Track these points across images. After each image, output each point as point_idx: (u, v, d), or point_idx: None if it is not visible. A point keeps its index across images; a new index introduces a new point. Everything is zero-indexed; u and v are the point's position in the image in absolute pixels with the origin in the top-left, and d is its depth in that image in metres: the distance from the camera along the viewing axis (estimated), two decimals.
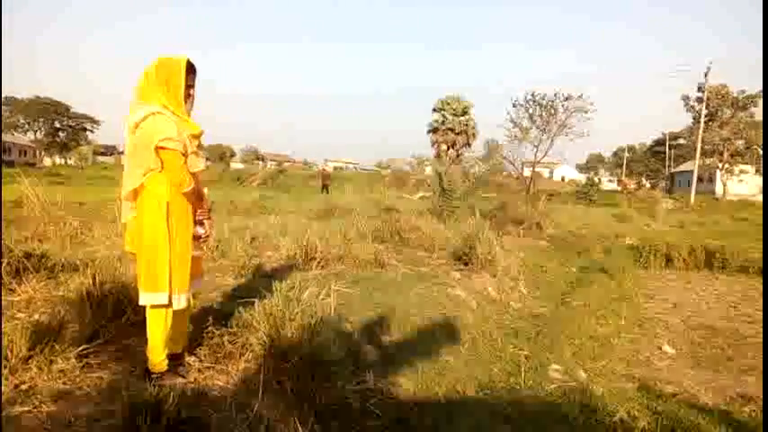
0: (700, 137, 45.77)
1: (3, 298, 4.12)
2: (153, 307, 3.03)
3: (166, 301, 2.99)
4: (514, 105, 20.99)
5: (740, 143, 54.97)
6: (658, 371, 5.62)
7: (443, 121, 38.20)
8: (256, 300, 3.81)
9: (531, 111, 20.45)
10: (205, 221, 3.22)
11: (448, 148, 37.06)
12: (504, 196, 18.12)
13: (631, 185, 68.60)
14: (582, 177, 67.36)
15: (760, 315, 8.13)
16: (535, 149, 19.61)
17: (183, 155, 2.98)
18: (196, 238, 3.16)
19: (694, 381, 5.36)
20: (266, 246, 7.67)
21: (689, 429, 3.80)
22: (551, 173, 77.89)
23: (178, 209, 3.01)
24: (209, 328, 3.80)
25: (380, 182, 21.09)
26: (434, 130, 38.39)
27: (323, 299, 4.11)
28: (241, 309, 3.93)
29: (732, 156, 54.53)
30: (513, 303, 7.25)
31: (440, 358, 4.79)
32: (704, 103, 47.16)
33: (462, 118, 38.26)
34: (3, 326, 3.23)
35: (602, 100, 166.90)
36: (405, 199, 20.61)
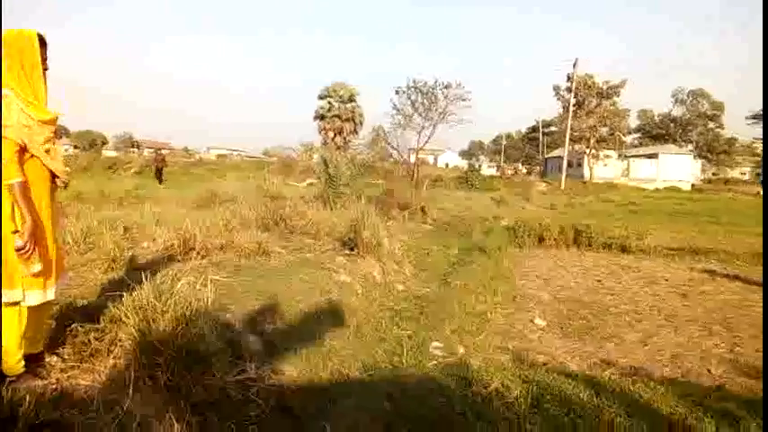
0: (569, 124, 49.06)
1: None
2: (6, 305, 2.75)
3: (20, 298, 2.73)
4: (397, 93, 21.48)
5: (604, 130, 59.67)
6: (531, 342, 6.00)
7: (330, 108, 38.02)
8: (125, 293, 3.59)
9: (413, 98, 21.01)
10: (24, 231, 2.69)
11: (335, 135, 36.99)
12: (390, 182, 18.43)
13: (509, 171, 72.43)
14: (464, 164, 70.06)
15: (620, 288, 8.91)
16: (418, 136, 20.23)
17: (22, 145, 2.67)
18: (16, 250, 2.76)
19: (562, 350, 5.77)
20: (141, 237, 7.26)
21: (557, 394, 4.07)
22: (436, 159, 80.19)
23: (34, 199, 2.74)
24: (74, 326, 3.53)
25: (266, 169, 20.65)
26: (321, 117, 38.12)
27: (200, 289, 3.95)
28: (109, 303, 3.69)
29: (598, 142, 59.03)
30: (398, 286, 7.41)
31: (325, 343, 4.79)
32: (572, 93, 50.57)
33: (349, 105, 38.31)
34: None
35: (484, 89, 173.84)
36: (292, 186, 20.38)
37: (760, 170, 78.06)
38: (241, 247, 6.88)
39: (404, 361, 4.74)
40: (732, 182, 68.35)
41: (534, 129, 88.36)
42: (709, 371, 5.22)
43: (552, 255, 12.32)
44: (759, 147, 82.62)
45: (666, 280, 9.62)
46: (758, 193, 51.23)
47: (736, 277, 9.96)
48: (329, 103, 38.63)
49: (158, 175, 27.26)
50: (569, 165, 54.49)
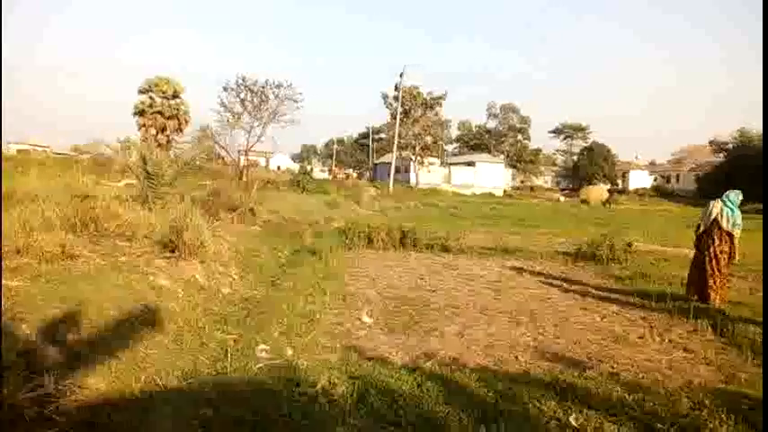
0: (396, 132, 51.27)
1: None
2: None
3: None
4: (225, 90, 20.65)
5: (429, 138, 63.37)
6: (358, 339, 6.09)
7: (152, 104, 35.48)
8: None
9: (242, 96, 20.34)
10: None
11: (157, 133, 34.60)
12: (218, 183, 17.75)
13: (340, 174, 73.67)
14: (296, 167, 69.93)
15: (442, 284, 9.43)
16: (247, 135, 19.63)
17: None
18: None
19: (388, 345, 5.94)
20: None
21: (381, 388, 4.16)
22: (267, 162, 79.12)
23: None
24: None
25: (77, 167, 18.65)
26: (141, 113, 35.37)
27: None
28: None
29: (423, 149, 62.53)
30: (224, 289, 7.12)
31: (139, 352, 4.44)
32: (400, 102, 52.91)
33: (173, 101, 36.05)
34: None
35: (317, 93, 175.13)
36: (107, 186, 18.71)
37: (559, 179, 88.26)
38: (42, 251, 6.12)
39: (228, 366, 4.54)
40: (537, 189, 76.27)
41: (365, 135, 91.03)
42: (516, 358, 5.69)
43: (380, 255, 12.71)
44: (559, 158, 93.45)
45: (481, 276, 10.38)
46: (558, 198, 57.74)
47: (540, 273, 11.08)
48: (151, 98, 35.97)
49: None
50: (397, 170, 56.99)
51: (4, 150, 34.12)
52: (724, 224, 8.09)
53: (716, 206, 8.23)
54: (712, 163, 68.10)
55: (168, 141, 34.85)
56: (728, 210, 8.14)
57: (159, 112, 35.98)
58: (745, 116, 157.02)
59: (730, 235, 8.11)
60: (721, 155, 65.83)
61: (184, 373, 4.27)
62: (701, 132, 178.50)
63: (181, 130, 36.27)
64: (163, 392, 3.88)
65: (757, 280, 10.19)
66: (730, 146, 64.10)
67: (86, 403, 3.42)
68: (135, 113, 36.45)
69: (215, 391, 3.88)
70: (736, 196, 8.23)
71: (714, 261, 8.09)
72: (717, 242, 8.12)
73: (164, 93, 36.40)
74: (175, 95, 36.93)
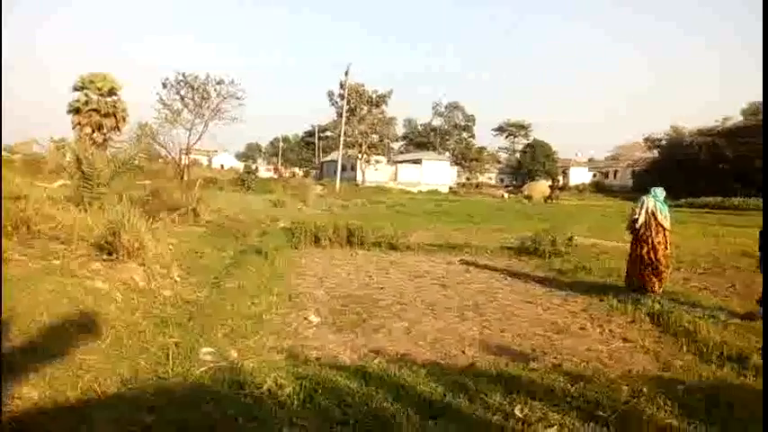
0: (342, 130, 51.09)
1: None
2: None
3: None
4: (165, 86, 19.85)
5: (375, 137, 63.46)
6: (306, 339, 6.03)
7: (87, 101, 34.00)
8: None
9: (182, 92, 19.66)
10: None
11: (93, 131, 33.18)
12: (158, 183, 17.23)
13: (286, 173, 72.97)
14: (241, 165, 68.82)
15: (389, 282, 9.46)
16: (188, 133, 18.98)
17: None
18: None
19: (336, 343, 5.91)
20: None
21: (329, 387, 4.13)
22: (210, 161, 77.60)
23: None
24: None
25: (8, 167, 17.76)
26: (76, 111, 33.83)
27: None
28: None
29: (369, 147, 62.56)
30: (165, 291, 6.90)
31: (75, 358, 4.24)
32: (345, 100, 52.75)
33: (110, 99, 34.64)
34: None
35: (263, 91, 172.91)
36: (40, 186, 17.89)
37: (503, 176, 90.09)
38: None
39: (170, 370, 4.40)
40: (482, 185, 77.61)
41: (311, 133, 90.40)
42: (463, 352, 5.77)
43: (327, 254, 12.64)
44: (502, 155, 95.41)
45: (429, 273, 10.47)
46: (502, 195, 58.88)
47: (486, 267, 11.27)
48: (86, 95, 34.44)
49: None
50: (344, 168, 56.81)
51: None
52: (660, 217, 8.52)
53: (649, 202, 8.63)
54: (646, 159, 70.97)
55: (105, 140, 33.42)
56: (660, 204, 8.61)
57: (95, 110, 34.44)
58: (676, 113, 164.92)
59: (663, 227, 8.55)
60: (655, 151, 68.64)
61: (124, 379, 4.11)
62: (637, 129, 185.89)
63: (118, 129, 34.85)
64: (101, 399, 3.73)
65: (691, 272, 10.69)
66: (663, 142, 66.89)
67: (18, 414, 3.25)
68: (70, 111, 34.83)
69: (156, 397, 3.75)
70: (661, 192, 8.74)
71: (653, 252, 8.47)
72: (654, 234, 8.52)
73: (100, 90, 34.86)
74: (112, 92, 35.46)
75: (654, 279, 8.45)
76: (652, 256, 8.46)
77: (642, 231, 8.62)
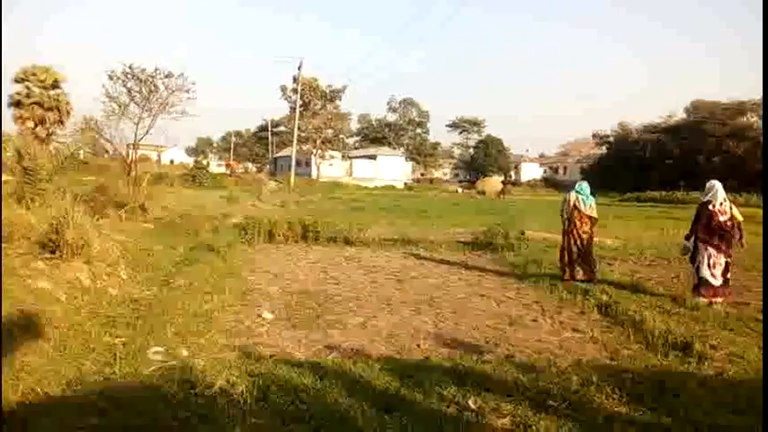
0: (296, 125, 50.53)
1: None
2: None
3: None
4: (111, 78, 19.00)
5: (329, 132, 63.15)
6: (259, 336, 5.93)
7: (29, 94, 32.51)
8: None
9: (129, 85, 18.92)
10: None
11: (36, 125, 31.78)
12: (105, 178, 16.69)
13: (239, 169, 71.84)
14: (191, 161, 67.45)
15: (344, 277, 9.42)
16: (136, 127, 18.24)
17: None
18: None
19: (290, 340, 5.83)
20: None
21: (283, 384, 4.06)
22: (159, 156, 75.68)
23: None
24: None
25: None
26: (17, 104, 32.36)
27: None
28: None
29: (323, 143, 62.22)
30: (112, 290, 6.69)
31: (15, 361, 4.05)
32: (299, 94, 52.21)
33: (53, 92, 33.19)
34: None
35: (214, 85, 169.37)
36: None
37: (457, 171, 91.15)
38: None
39: (116, 371, 4.25)
40: (436, 181, 78.34)
41: (264, 128, 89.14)
42: (418, 345, 5.78)
43: (282, 250, 12.51)
44: (456, 151, 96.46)
45: (384, 268, 10.48)
46: (456, 190, 59.58)
47: (441, 261, 11.36)
48: (27, 87, 32.92)
49: None
50: (298, 164, 56.30)
51: None
52: (583, 208, 9.04)
53: (571, 196, 9.15)
54: (595, 155, 73.06)
55: (49, 135, 32.00)
56: (583, 197, 9.11)
57: (37, 103, 32.94)
58: (623, 109, 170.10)
59: (590, 218, 9.12)
60: (603, 147, 70.72)
61: (68, 381, 3.95)
62: (586, 125, 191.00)
63: (62, 123, 33.39)
64: (44, 403, 3.57)
65: (638, 263, 11.03)
66: (611, 138, 68.95)
67: None
68: (10, 105, 33.26)
69: (102, 398, 3.62)
70: (587, 187, 9.27)
71: (579, 241, 8.98)
72: (578, 225, 9.02)
73: (42, 82, 33.36)
74: (55, 85, 34.02)
75: (586, 267, 8.97)
76: (579, 245, 8.96)
77: (567, 225, 9.13)
